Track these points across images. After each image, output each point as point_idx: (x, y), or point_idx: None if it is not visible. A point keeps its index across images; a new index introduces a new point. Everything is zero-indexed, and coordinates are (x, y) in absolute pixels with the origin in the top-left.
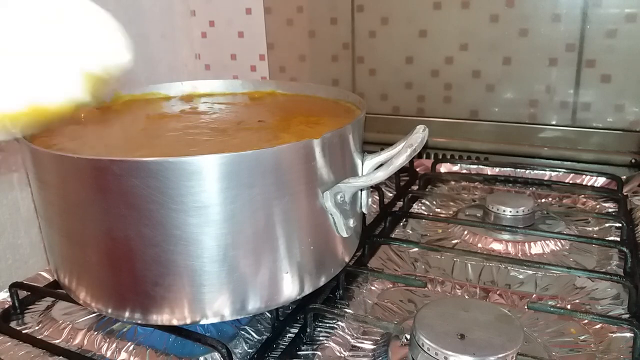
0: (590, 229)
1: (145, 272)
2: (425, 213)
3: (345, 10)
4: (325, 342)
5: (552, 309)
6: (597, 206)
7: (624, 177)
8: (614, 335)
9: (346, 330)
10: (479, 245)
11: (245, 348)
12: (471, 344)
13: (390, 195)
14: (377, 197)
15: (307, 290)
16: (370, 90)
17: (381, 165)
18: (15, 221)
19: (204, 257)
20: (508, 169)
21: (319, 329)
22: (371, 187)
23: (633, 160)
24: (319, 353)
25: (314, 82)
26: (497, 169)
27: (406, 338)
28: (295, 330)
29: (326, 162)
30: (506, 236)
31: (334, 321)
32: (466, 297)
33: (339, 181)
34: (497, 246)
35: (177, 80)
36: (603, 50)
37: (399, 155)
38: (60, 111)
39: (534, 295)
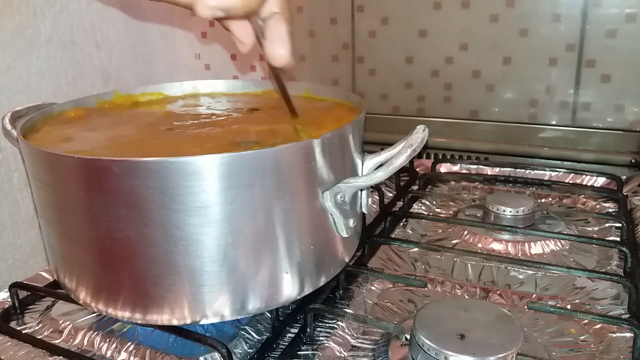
0: (590, 229)
1: (145, 272)
2: (425, 213)
3: (345, 10)
4: (325, 342)
5: (552, 309)
6: (597, 206)
7: (624, 177)
8: (614, 335)
9: (346, 330)
10: (479, 245)
11: (245, 348)
12: (471, 344)
13: (390, 195)
14: (377, 197)
15: (307, 290)
16: (370, 90)
17: (381, 165)
18: (15, 221)
19: (204, 257)
20: (508, 169)
21: (319, 329)
22: (371, 187)
23: (633, 160)
24: (319, 353)
25: (314, 82)
26: (497, 169)
27: (406, 338)
28: (295, 330)
29: (326, 162)
30: (506, 236)
31: (334, 321)
32: (466, 297)
33: (339, 181)
34: (497, 246)
35: (177, 80)
36: (603, 50)
37: (399, 155)
38: None
39: (534, 295)
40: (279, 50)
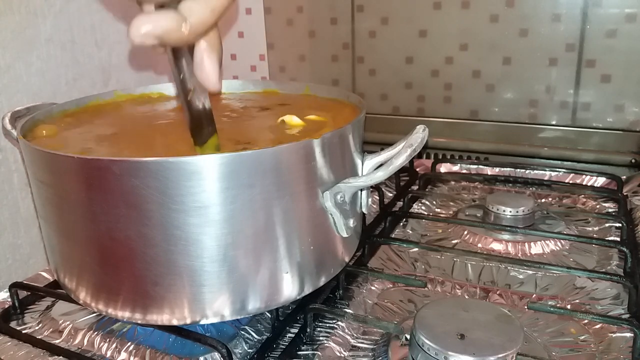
0: (590, 229)
1: (145, 272)
2: (425, 213)
3: (345, 10)
4: (325, 342)
5: (552, 309)
6: (597, 206)
7: (624, 177)
8: (614, 335)
9: (346, 330)
10: (479, 245)
11: (245, 348)
12: (471, 344)
13: (390, 195)
14: (377, 197)
15: (307, 290)
16: (370, 90)
17: (381, 165)
18: (15, 221)
19: (204, 257)
20: (508, 169)
21: (319, 329)
22: (371, 187)
23: (633, 160)
24: (319, 353)
25: (314, 82)
26: (497, 169)
27: (406, 338)
28: (295, 330)
29: (326, 162)
30: (506, 236)
31: (334, 321)
32: (466, 297)
33: (339, 181)
34: (497, 246)
35: None
36: (603, 50)
37: (399, 155)
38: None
39: (534, 295)
40: (213, 76)
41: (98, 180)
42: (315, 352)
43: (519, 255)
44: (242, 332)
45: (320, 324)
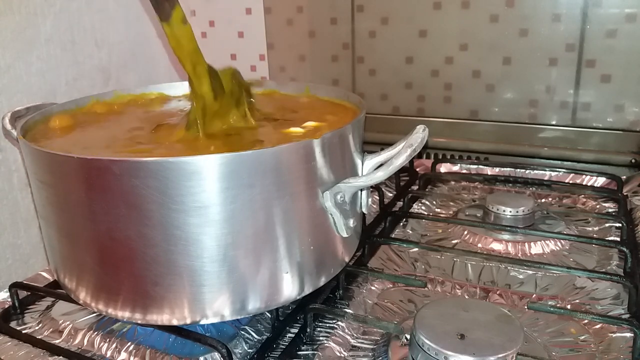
0: (590, 229)
1: (145, 272)
2: (425, 213)
3: (345, 10)
4: (325, 342)
5: (552, 309)
6: (597, 206)
7: (624, 177)
8: (614, 335)
9: (346, 330)
10: (479, 245)
11: (245, 348)
12: (471, 344)
13: (390, 195)
14: (377, 197)
15: (307, 290)
16: (370, 90)
17: (381, 165)
18: (15, 221)
19: (204, 257)
20: (508, 169)
21: (319, 329)
22: (371, 187)
23: (633, 160)
24: (319, 353)
25: (314, 82)
26: (497, 169)
27: (406, 338)
28: (295, 330)
29: (326, 162)
30: (506, 236)
31: (334, 321)
32: (466, 297)
33: (339, 181)
34: (497, 246)
35: (177, 81)
36: (603, 50)
37: (399, 155)
38: None
39: (534, 295)
40: None
41: (98, 180)
42: (315, 352)
43: (519, 255)
44: (242, 332)
45: (320, 324)
